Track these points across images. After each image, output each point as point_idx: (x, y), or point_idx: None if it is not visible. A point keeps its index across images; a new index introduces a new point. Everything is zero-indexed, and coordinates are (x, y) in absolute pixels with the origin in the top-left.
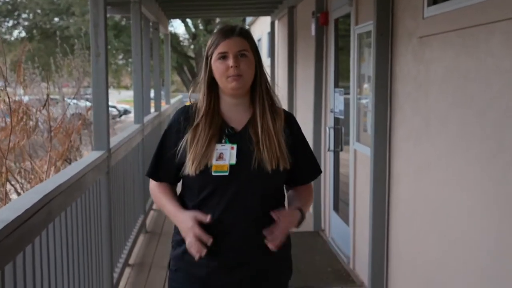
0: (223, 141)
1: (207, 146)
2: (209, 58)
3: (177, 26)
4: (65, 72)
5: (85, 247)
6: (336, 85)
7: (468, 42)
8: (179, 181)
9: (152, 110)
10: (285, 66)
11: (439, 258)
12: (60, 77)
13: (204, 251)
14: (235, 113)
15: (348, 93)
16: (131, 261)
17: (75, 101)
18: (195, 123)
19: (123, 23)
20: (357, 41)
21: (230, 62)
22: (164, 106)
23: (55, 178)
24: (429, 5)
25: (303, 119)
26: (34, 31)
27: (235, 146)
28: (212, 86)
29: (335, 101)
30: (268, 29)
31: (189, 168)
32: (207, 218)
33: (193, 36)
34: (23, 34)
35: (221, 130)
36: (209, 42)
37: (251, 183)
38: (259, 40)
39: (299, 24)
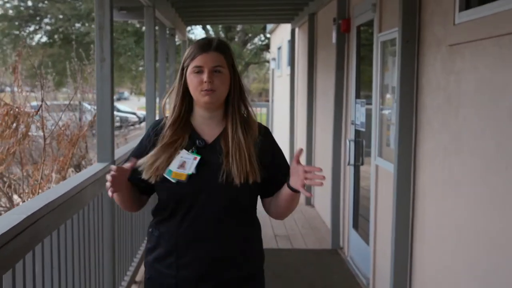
0: (190, 150)
1: (165, 150)
2: (185, 69)
3: (198, 34)
4: (82, 78)
5: (83, 267)
6: (357, 96)
7: (506, 51)
8: (148, 192)
9: None
10: (305, 75)
11: (467, 287)
12: (75, 82)
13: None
14: (207, 126)
15: (370, 104)
16: (138, 278)
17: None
18: (162, 135)
19: (143, 29)
20: (381, 49)
21: (204, 77)
22: None
23: (45, 195)
24: (461, 10)
25: (322, 131)
26: (56, 36)
27: (198, 157)
28: (185, 97)
29: (356, 112)
30: (289, 36)
31: (145, 171)
32: (130, 163)
33: None
34: (44, 39)
35: (191, 140)
36: (186, 53)
37: (218, 195)
38: (279, 48)
39: (320, 32)
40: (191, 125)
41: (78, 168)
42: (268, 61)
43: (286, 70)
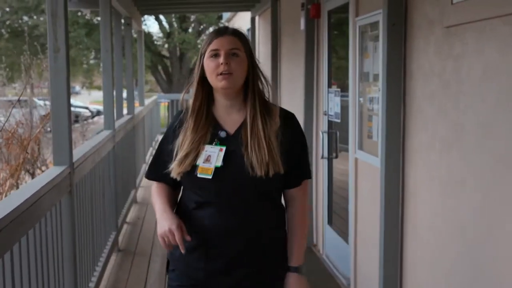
0: (214, 143)
1: (192, 147)
2: (202, 56)
3: (150, 25)
4: (35, 72)
5: (40, 282)
6: (329, 85)
7: None
8: (179, 185)
9: (125, 112)
10: (268, 65)
11: None
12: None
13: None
14: (228, 116)
15: (345, 94)
16: (128, 219)
17: (47, 102)
18: (185, 124)
19: (95, 21)
20: (359, 34)
21: (221, 59)
22: (137, 107)
23: None
24: None
25: None
26: (2, 30)
27: (224, 148)
28: (204, 85)
29: (329, 102)
30: (247, 25)
31: (173, 170)
32: (188, 237)
33: (168, 35)
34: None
35: (213, 132)
36: (203, 41)
37: (243, 187)
38: None
39: (284, 19)
40: (213, 116)
41: (32, 169)
42: None
43: None
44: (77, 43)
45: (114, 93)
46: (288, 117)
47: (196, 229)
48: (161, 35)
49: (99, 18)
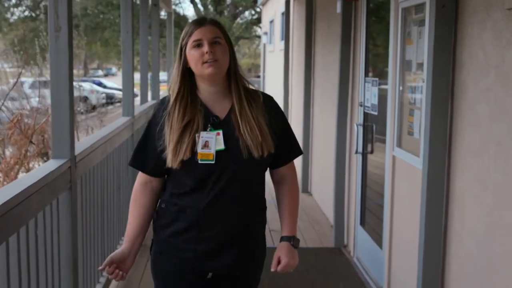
0: (208, 129)
1: (181, 134)
2: (183, 49)
3: (186, 8)
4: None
5: None
6: (366, 74)
7: None
8: (165, 173)
9: (150, 97)
10: (301, 50)
11: None
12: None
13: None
14: (216, 102)
15: (384, 84)
16: None
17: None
18: (168, 112)
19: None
20: (402, 18)
21: (205, 48)
22: (164, 91)
23: None
24: None
25: (321, 112)
26: (37, 11)
27: (220, 132)
28: (186, 76)
29: (366, 93)
30: (282, 9)
31: (172, 161)
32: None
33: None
34: (26, 13)
35: (205, 119)
36: (183, 33)
37: (239, 170)
38: (271, 21)
39: (320, 2)
40: (202, 102)
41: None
42: (259, 36)
43: (279, 44)
44: (111, 25)
45: (138, 76)
46: (268, 99)
47: (188, 211)
48: (196, 18)
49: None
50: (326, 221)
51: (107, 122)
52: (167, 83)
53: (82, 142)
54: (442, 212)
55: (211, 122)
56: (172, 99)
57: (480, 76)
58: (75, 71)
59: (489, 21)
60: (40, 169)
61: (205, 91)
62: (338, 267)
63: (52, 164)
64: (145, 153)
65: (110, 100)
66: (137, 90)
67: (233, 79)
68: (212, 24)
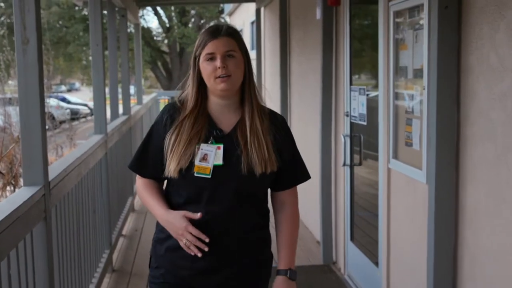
0: (209, 141)
1: (187, 146)
2: (197, 59)
3: (149, 20)
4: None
5: None
6: (351, 82)
7: None
8: (164, 179)
9: (121, 112)
10: (276, 60)
11: None
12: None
13: (205, 248)
14: (223, 115)
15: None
16: (124, 232)
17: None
18: (179, 121)
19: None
20: (393, 22)
21: (218, 63)
22: (135, 105)
23: None
24: None
25: (301, 123)
26: None
27: (221, 146)
28: (201, 86)
29: (352, 102)
30: (251, 18)
31: (170, 169)
32: (197, 215)
33: (167, 29)
34: None
35: (208, 131)
36: (197, 42)
37: (237, 186)
38: (239, 31)
39: (294, 9)
40: (208, 115)
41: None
42: None
43: (250, 54)
44: (74, 39)
45: (107, 91)
46: (278, 119)
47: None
48: (160, 30)
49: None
50: (310, 236)
51: (77, 139)
52: (134, 97)
53: (55, 166)
54: (453, 229)
55: (214, 135)
56: (187, 111)
57: (493, 80)
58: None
59: (502, 20)
60: (11, 199)
61: (215, 103)
62: (329, 285)
63: (24, 193)
64: (146, 157)
65: (75, 115)
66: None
67: (247, 92)
68: (227, 35)
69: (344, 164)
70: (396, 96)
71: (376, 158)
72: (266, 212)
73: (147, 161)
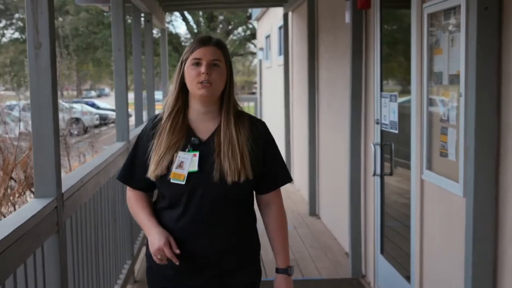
0: (187, 149)
1: (166, 152)
2: (184, 63)
3: (178, 26)
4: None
5: None
6: (382, 89)
7: None
8: (153, 189)
9: (145, 118)
10: (303, 65)
11: None
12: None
13: (176, 262)
14: (202, 122)
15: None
16: None
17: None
18: (160, 127)
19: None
20: (427, 24)
21: (203, 68)
22: (161, 111)
23: None
24: None
25: (329, 131)
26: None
27: (197, 153)
28: (183, 91)
29: (382, 109)
30: (279, 23)
31: (149, 172)
32: (177, 250)
33: (195, 35)
34: (16, 34)
35: (186, 139)
36: (186, 48)
37: (212, 192)
38: (267, 36)
39: (323, 13)
40: (187, 122)
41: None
42: (253, 52)
43: (277, 60)
44: (103, 44)
45: (132, 96)
46: (258, 125)
47: (166, 229)
48: (189, 36)
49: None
50: (338, 247)
51: (99, 146)
52: (162, 102)
53: (71, 176)
54: (492, 246)
55: (191, 142)
56: (166, 114)
57: None
58: (67, 93)
59: None
60: (21, 212)
61: (195, 110)
62: None
63: (34, 206)
64: (133, 168)
65: (103, 121)
66: (131, 110)
67: (226, 102)
68: (216, 45)
69: (374, 174)
70: (430, 103)
71: (406, 166)
72: (246, 215)
73: (135, 172)
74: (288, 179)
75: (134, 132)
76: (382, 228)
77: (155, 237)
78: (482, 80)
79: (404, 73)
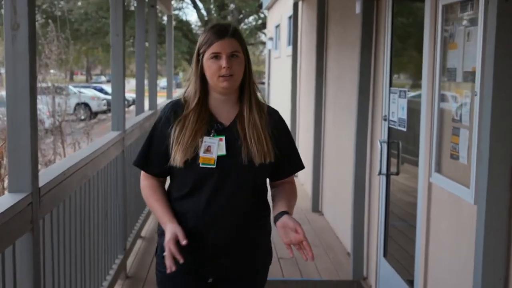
0: (211, 134)
1: (193, 138)
2: (201, 56)
3: (188, 13)
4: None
5: None
6: (391, 84)
7: None
8: (167, 175)
9: (147, 106)
10: (312, 56)
11: None
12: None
13: (173, 268)
14: (223, 109)
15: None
16: (143, 233)
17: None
18: (184, 115)
19: (132, 7)
20: (442, 17)
21: (223, 62)
22: (163, 99)
23: None
24: None
25: (335, 126)
26: (37, 15)
27: (223, 138)
28: (202, 81)
29: (391, 105)
30: (289, 12)
31: (176, 159)
32: (184, 241)
33: (205, 23)
34: None
35: (209, 125)
36: (201, 39)
37: (239, 176)
38: (277, 26)
39: (333, 3)
40: (209, 109)
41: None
42: (263, 42)
43: (286, 50)
44: None
45: (133, 84)
46: (274, 113)
47: (188, 216)
48: (199, 23)
49: (135, 4)
50: (340, 247)
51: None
52: (166, 89)
53: (52, 169)
54: (504, 258)
55: (215, 128)
56: (191, 107)
57: None
58: (78, 77)
59: None
60: None
61: (215, 98)
62: None
63: (5, 201)
64: (150, 154)
65: (111, 106)
66: (133, 95)
67: (247, 89)
68: (233, 36)
69: (380, 173)
70: (442, 101)
71: (414, 163)
72: (266, 204)
73: (152, 157)
74: (301, 166)
75: (132, 121)
76: (386, 230)
77: (167, 230)
78: (500, 79)
79: (414, 68)
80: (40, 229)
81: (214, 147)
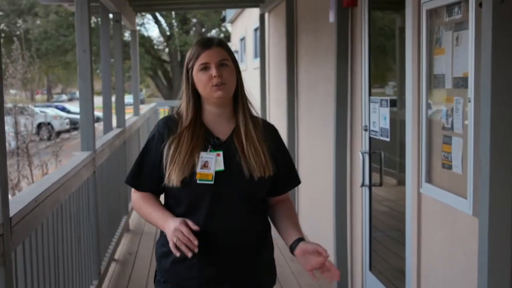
0: (208, 149)
1: (190, 155)
2: (190, 71)
3: (150, 29)
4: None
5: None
6: (370, 93)
7: None
8: (161, 193)
9: (114, 124)
10: (281, 68)
11: None
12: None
13: (195, 249)
14: (219, 123)
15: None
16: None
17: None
18: (178, 132)
19: (93, 23)
20: (426, 22)
21: (213, 72)
22: (131, 115)
23: None
24: None
25: (310, 137)
26: None
27: (221, 153)
28: (195, 97)
29: (371, 114)
30: (254, 25)
31: (172, 180)
32: (195, 227)
33: (168, 37)
34: None
35: (206, 140)
36: (188, 55)
37: (238, 191)
38: (242, 39)
39: (303, 13)
40: (204, 124)
41: None
42: None
43: (253, 63)
44: (73, 47)
45: (100, 100)
46: (270, 128)
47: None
48: (161, 39)
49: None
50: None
51: (69, 151)
52: (132, 106)
53: (22, 195)
54: (509, 273)
55: (212, 143)
56: (185, 124)
57: None
58: (39, 96)
59: None
60: None
61: (210, 112)
62: None
63: None
64: (142, 171)
65: (74, 125)
66: (100, 113)
67: (240, 100)
68: (219, 45)
69: (363, 185)
70: (429, 108)
71: (394, 176)
72: (266, 219)
73: (144, 175)
74: (298, 181)
75: (102, 140)
76: (371, 243)
77: (170, 224)
78: (499, 83)
79: (395, 77)
80: (13, 262)
81: (212, 163)
